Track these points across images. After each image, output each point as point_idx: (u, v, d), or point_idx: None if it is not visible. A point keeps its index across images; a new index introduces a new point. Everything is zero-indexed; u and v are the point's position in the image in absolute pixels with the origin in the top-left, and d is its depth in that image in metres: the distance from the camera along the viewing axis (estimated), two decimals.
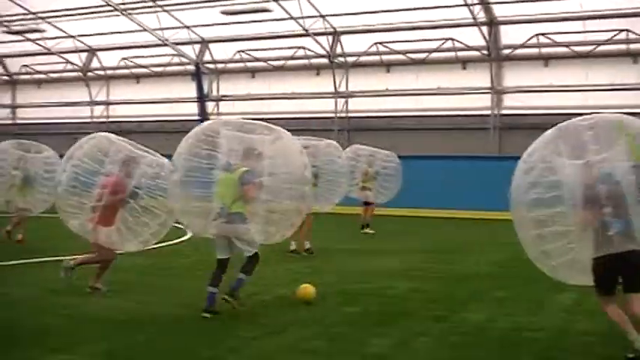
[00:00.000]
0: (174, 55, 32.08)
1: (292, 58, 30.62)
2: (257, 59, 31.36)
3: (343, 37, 29.45)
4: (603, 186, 6.52)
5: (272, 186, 8.69)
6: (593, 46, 26.23)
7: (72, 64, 34.59)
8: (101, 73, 34.88)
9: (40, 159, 15.90)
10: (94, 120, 35.19)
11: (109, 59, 34.15)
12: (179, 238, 16.75)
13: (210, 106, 32.45)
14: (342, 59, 29.95)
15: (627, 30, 25.18)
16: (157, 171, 9.82)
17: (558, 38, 26.40)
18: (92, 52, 34.19)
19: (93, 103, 35.37)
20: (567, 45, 26.56)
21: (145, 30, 29.34)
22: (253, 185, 8.44)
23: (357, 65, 30.03)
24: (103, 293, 9.51)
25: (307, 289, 9.25)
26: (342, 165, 15.98)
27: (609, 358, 6.65)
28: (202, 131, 8.97)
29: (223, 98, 32.79)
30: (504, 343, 7.12)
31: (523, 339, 7.34)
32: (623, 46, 26.07)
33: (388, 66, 29.87)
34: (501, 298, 9.56)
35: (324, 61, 30.04)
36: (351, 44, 29.47)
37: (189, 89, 32.23)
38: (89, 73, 35.01)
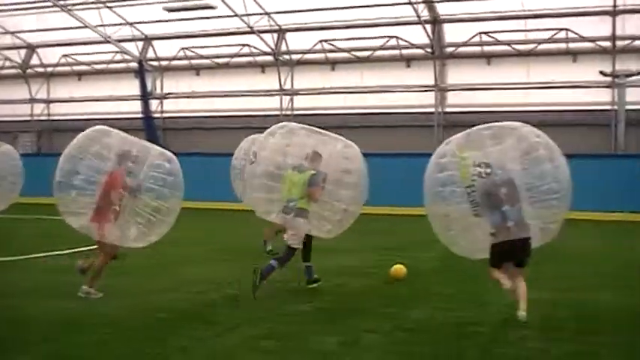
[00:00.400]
0: (116, 52, 31.67)
1: (237, 55, 30.50)
2: (201, 57, 31.16)
3: (288, 35, 29.45)
4: (504, 188, 8.06)
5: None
6: (534, 45, 26.72)
7: (11, 60, 33.86)
8: (41, 70, 34.21)
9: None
10: (35, 118, 34.53)
11: (50, 56, 33.52)
12: None
13: (154, 103, 32.10)
14: (287, 57, 29.96)
15: (567, 29, 25.71)
16: (160, 163, 9.50)
17: (500, 37, 26.82)
18: (32, 48, 33.52)
19: (33, 100, 34.66)
20: (509, 43, 27.00)
21: (86, 27, 28.88)
22: (318, 187, 9.73)
23: (302, 63, 30.06)
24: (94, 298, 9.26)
25: (401, 270, 10.78)
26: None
27: (545, 351, 6.78)
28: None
29: (167, 96, 32.50)
30: (449, 338, 7.22)
31: (467, 333, 7.45)
32: (562, 45, 26.61)
33: (333, 64, 29.98)
34: (447, 294, 9.69)
35: (269, 58, 30.01)
36: (296, 42, 29.49)
37: (133, 87, 31.86)
38: (29, 70, 34.30)
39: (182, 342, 6.99)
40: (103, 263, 9.41)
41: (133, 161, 9.32)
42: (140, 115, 31.45)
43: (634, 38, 25.70)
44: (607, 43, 25.92)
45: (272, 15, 28.07)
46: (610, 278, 11.10)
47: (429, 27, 27.07)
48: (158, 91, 32.52)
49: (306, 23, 28.42)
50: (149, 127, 31.14)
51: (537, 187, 8.30)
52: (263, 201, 10.19)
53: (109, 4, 28.18)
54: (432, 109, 28.16)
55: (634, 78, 25.51)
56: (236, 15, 27.30)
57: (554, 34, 26.08)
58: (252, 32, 28.57)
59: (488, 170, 8.21)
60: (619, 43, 25.81)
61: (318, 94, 29.92)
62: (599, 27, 25.76)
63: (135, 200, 9.28)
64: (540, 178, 8.36)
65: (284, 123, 10.87)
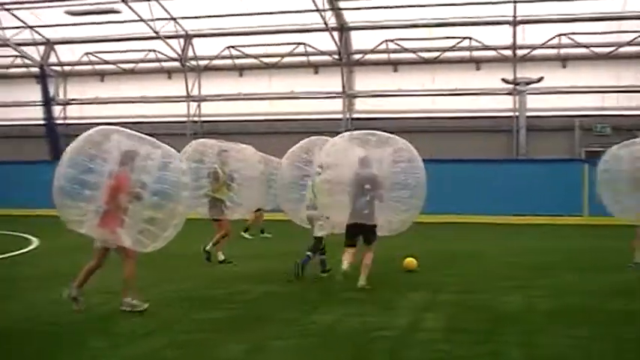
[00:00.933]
0: (16, 56, 30.66)
1: (143, 61, 29.99)
2: (106, 62, 30.51)
3: (195, 41, 29.17)
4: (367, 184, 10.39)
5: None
6: (439, 53, 27.26)
7: None
8: None
9: None
10: None
11: None
12: (22, 248, 16.06)
13: (57, 110, 31.22)
14: (194, 63, 29.64)
15: (470, 38, 26.32)
16: (167, 162, 8.99)
17: (406, 44, 27.24)
18: None
19: None
20: (415, 51, 27.45)
21: None
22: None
23: (209, 69, 29.82)
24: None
25: (412, 262, 12.22)
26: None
27: (450, 353, 6.85)
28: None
29: (71, 102, 31.67)
30: (356, 343, 7.20)
31: (373, 338, 7.44)
32: (466, 53, 27.24)
33: (241, 70, 29.86)
34: (352, 298, 9.67)
35: (176, 64, 29.64)
36: (203, 48, 29.24)
37: (34, 92, 30.90)
38: None
39: (81, 355, 6.74)
40: (131, 270, 8.97)
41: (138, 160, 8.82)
42: (42, 122, 30.54)
43: (533, 47, 26.53)
44: (508, 52, 26.68)
45: (179, 20, 27.76)
46: (512, 280, 11.34)
47: (336, 34, 27.27)
48: (61, 97, 31.67)
49: (213, 29, 28.23)
50: (51, 134, 30.30)
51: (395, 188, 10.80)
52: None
53: (7, 7, 27.25)
54: (340, 115, 28.35)
55: (534, 85, 26.35)
56: (142, 20, 26.84)
57: (458, 43, 26.70)
58: (158, 37, 28.15)
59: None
60: (519, 52, 26.61)
61: (226, 100, 29.72)
62: (501, 36, 26.52)
63: (138, 203, 8.73)
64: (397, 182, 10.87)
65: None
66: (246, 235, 18.54)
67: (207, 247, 13.41)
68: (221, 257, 13.40)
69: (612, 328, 7.89)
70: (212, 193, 13.25)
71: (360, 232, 10.62)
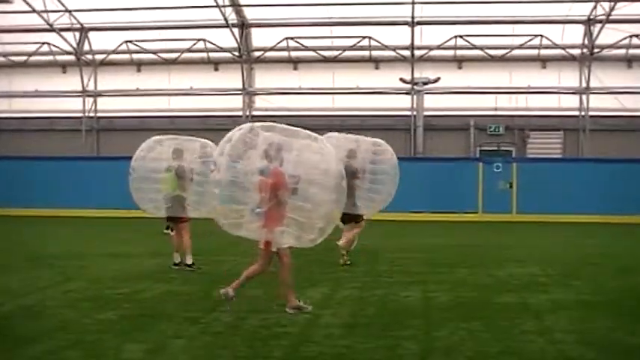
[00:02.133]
0: None
1: (36, 53, 29.02)
2: None
3: (91, 34, 28.48)
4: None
5: None
6: (339, 52, 27.51)
7: None
8: None
9: None
10: None
11: None
12: None
13: None
14: (90, 57, 28.92)
15: (369, 37, 26.69)
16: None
17: (307, 43, 27.37)
18: None
19: None
20: (315, 49, 27.62)
21: None
22: None
23: (106, 64, 29.16)
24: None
25: None
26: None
27: (348, 347, 6.97)
28: None
29: None
30: (257, 340, 7.22)
31: (273, 334, 7.48)
32: (366, 53, 27.62)
33: (139, 65, 29.36)
34: (254, 296, 9.66)
35: (71, 58, 28.83)
36: (99, 41, 28.59)
37: None
38: None
39: None
40: (286, 272, 8.70)
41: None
42: None
43: (430, 48, 27.13)
44: (406, 52, 27.19)
45: (74, 13, 27.03)
46: (410, 275, 11.60)
47: (236, 31, 27.15)
48: None
49: (110, 22, 27.61)
50: None
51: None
52: None
53: None
54: (240, 113, 28.26)
55: (431, 85, 26.95)
56: (34, 11, 25.96)
57: (358, 42, 27.02)
58: (52, 30, 27.31)
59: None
60: (417, 52, 27.16)
61: (123, 96, 29.15)
62: (399, 36, 27.01)
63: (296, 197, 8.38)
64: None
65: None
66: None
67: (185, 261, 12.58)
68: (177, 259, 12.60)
69: (505, 320, 8.18)
70: (179, 191, 12.43)
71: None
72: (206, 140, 13.03)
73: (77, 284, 10.69)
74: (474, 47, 27.11)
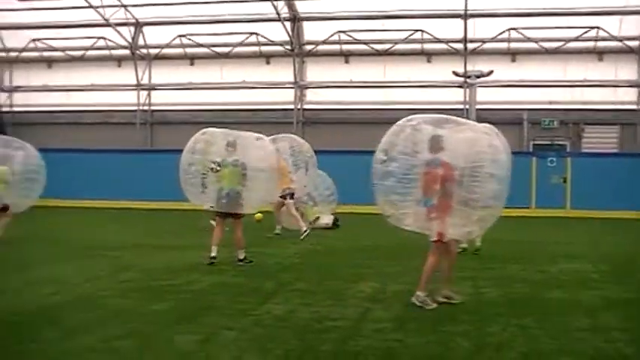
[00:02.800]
0: None
1: (92, 48, 29.53)
2: (54, 48, 29.97)
3: (146, 29, 28.82)
4: None
5: None
6: (391, 45, 27.39)
7: None
8: None
9: None
10: None
11: None
12: None
13: (2, 97, 30.60)
14: (144, 51, 29.30)
15: (422, 30, 26.52)
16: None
17: (358, 36, 27.32)
18: None
19: None
20: (367, 43, 27.54)
21: None
22: None
23: (160, 57, 29.51)
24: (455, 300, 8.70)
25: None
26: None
27: (399, 341, 6.94)
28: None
29: (17, 89, 31.04)
30: (307, 333, 7.23)
31: (324, 327, 7.49)
32: (418, 46, 27.44)
33: (192, 59, 29.63)
34: (304, 289, 9.70)
35: (126, 52, 29.25)
36: (154, 36, 28.93)
37: None
38: None
39: (28, 345, 6.65)
40: (433, 263, 8.73)
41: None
42: None
43: (484, 41, 26.84)
44: (459, 45, 26.94)
45: (129, 8, 27.40)
46: (461, 270, 11.50)
47: (288, 24, 27.21)
48: (7, 84, 31.04)
49: (164, 17, 27.93)
50: None
51: None
52: None
53: None
54: (292, 106, 28.34)
55: (484, 79, 26.65)
56: (91, 6, 26.42)
57: (410, 35, 26.86)
58: (108, 25, 27.74)
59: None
60: (470, 45, 26.89)
61: (177, 89, 29.48)
62: (452, 29, 26.77)
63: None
64: None
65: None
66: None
67: None
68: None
69: (557, 317, 8.06)
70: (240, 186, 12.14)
71: None
72: (258, 134, 13.07)
73: (130, 275, 10.86)
74: (528, 40, 26.74)
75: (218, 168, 12.08)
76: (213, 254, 12.00)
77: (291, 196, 17.12)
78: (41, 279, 10.39)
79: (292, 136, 18.91)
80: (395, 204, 8.64)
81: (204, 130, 13.02)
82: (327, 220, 18.79)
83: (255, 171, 12.19)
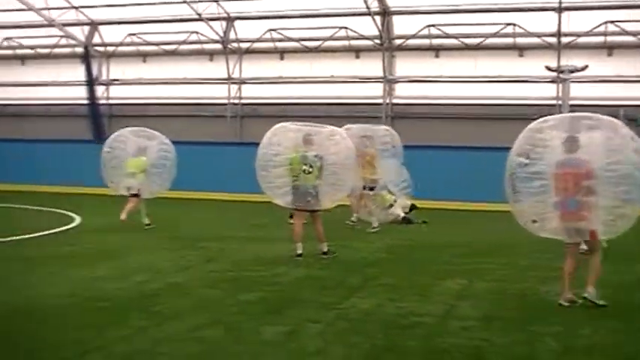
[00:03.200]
0: (61, 36, 31.03)
1: (185, 42, 30.13)
2: (148, 43, 30.71)
3: (237, 23, 29.19)
4: None
5: None
6: (482, 39, 26.97)
7: None
8: None
9: None
10: None
11: None
12: (65, 225, 16.36)
13: (99, 90, 31.56)
14: (235, 45, 29.71)
15: (514, 24, 26.02)
16: None
17: (449, 30, 27.00)
18: None
19: None
20: (457, 37, 27.20)
21: (30, 9, 28.24)
22: None
23: (250, 52, 29.85)
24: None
25: None
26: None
27: (485, 340, 6.85)
28: None
29: (113, 82, 31.97)
30: (392, 328, 7.23)
31: (410, 323, 7.47)
32: (509, 40, 26.92)
33: (282, 53, 29.83)
34: (390, 284, 9.70)
35: (218, 46, 29.72)
36: (245, 30, 29.25)
37: (78, 72, 31.27)
38: None
39: (123, 331, 6.87)
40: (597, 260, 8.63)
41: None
42: (85, 102, 30.91)
43: (578, 35, 26.13)
44: (553, 39, 26.31)
45: (221, 2, 27.80)
46: (550, 270, 11.25)
47: (378, 18, 27.11)
48: (104, 77, 31.99)
49: (255, 12, 28.24)
50: (95, 114, 30.68)
51: None
52: None
53: None
54: (380, 101, 28.26)
55: (578, 74, 25.95)
56: (184, 1, 26.96)
57: (502, 29, 26.37)
58: (200, 19, 28.25)
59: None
60: (564, 39, 26.22)
61: (267, 83, 29.79)
62: (545, 23, 26.14)
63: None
64: None
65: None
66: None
67: None
68: None
69: None
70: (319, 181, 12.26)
71: None
72: (332, 128, 13.10)
73: (219, 265, 11.08)
74: (626, 33, 25.87)
75: (311, 166, 12.07)
76: (299, 251, 12.04)
77: (372, 188, 17.16)
78: (133, 267, 10.71)
79: (383, 127, 19.09)
80: (536, 207, 8.65)
81: (280, 124, 13.05)
82: (399, 211, 18.54)
83: (331, 165, 12.29)
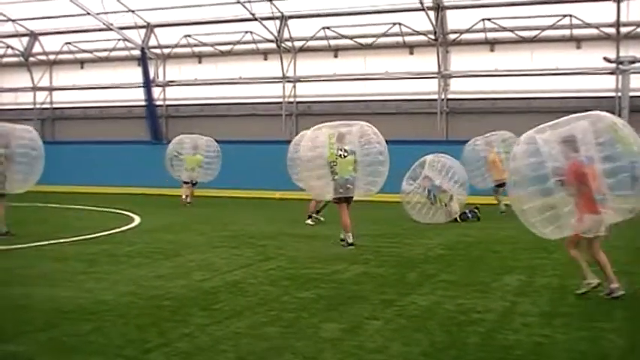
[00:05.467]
0: (119, 39, 31.57)
1: (239, 42, 30.39)
2: (204, 44, 31.08)
3: (291, 22, 29.33)
4: None
5: None
6: (538, 31, 26.59)
7: (13, 48, 33.75)
8: (43, 58, 34.10)
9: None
10: (37, 107, 34.47)
11: (52, 44, 33.37)
12: (125, 225, 16.64)
13: (156, 91, 32.02)
14: (289, 44, 29.84)
15: (571, 15, 25.57)
16: None
17: (504, 23, 26.68)
18: (34, 36, 33.40)
19: (35, 89, 34.60)
20: (512, 30, 26.85)
21: (88, 14, 28.79)
22: None
23: (304, 50, 29.96)
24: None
25: None
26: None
27: (547, 336, 6.75)
28: None
29: (170, 83, 32.41)
30: (452, 325, 7.18)
31: (470, 320, 7.40)
32: (566, 32, 26.47)
33: (336, 50, 29.87)
34: (449, 280, 9.64)
35: (272, 45, 29.89)
36: (298, 29, 29.38)
37: (135, 74, 31.80)
38: (31, 59, 34.20)
39: (184, 329, 6.96)
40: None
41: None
42: (142, 103, 31.41)
43: (638, 25, 25.56)
44: (611, 30, 25.80)
45: (274, 2, 27.95)
46: (613, 265, 11.04)
47: (432, 13, 26.92)
48: (160, 78, 32.44)
49: (308, 10, 28.33)
50: (152, 115, 31.16)
51: None
52: None
53: None
54: (435, 96, 28.07)
55: (638, 64, 25.38)
56: (238, 2, 27.19)
57: (558, 21, 25.95)
58: (254, 19, 28.45)
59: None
60: (623, 30, 25.69)
61: (321, 81, 29.84)
62: (603, 13, 25.63)
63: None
64: None
65: None
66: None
67: None
68: None
69: None
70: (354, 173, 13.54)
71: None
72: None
73: (276, 263, 11.15)
74: None
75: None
76: (350, 240, 12.99)
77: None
78: (192, 266, 10.85)
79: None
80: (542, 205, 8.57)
81: (318, 126, 14.17)
82: (456, 207, 18.28)
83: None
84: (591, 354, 6.29)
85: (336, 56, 30.00)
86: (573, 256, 8.84)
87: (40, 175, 15.08)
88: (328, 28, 28.69)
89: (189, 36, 30.86)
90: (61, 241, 13.60)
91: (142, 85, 31.41)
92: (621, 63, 25.54)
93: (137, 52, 31.68)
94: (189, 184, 24.05)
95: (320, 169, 13.28)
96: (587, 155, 8.34)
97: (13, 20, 31.41)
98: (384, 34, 28.27)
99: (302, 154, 14.03)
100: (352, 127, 13.84)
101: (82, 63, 34.08)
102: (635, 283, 9.55)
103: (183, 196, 23.50)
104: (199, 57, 32.13)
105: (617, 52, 25.64)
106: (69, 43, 32.79)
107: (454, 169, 18.36)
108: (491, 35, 27.55)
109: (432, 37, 27.48)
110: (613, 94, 26.02)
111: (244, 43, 30.43)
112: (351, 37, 28.89)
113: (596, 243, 8.63)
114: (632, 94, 25.57)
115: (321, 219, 17.76)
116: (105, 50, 32.79)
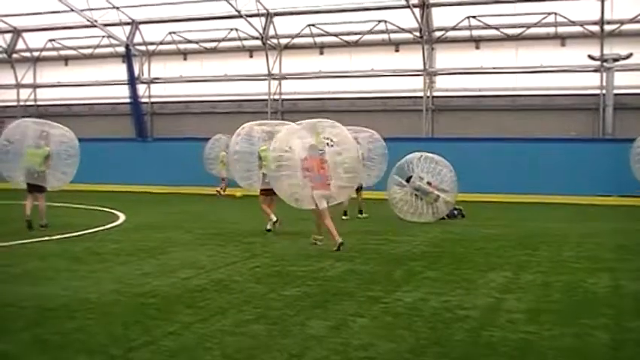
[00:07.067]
0: (103, 36, 31.42)
1: (225, 39, 30.33)
2: (189, 41, 31.00)
3: (276, 19, 29.31)
4: None
5: None
6: (523, 29, 26.69)
7: None
8: (27, 55, 33.90)
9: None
10: (21, 104, 34.26)
11: (36, 40, 33.21)
12: (110, 223, 16.56)
13: (141, 88, 31.90)
14: (275, 41, 29.80)
15: (555, 13, 25.67)
16: None
17: (489, 21, 26.76)
18: (17, 32, 33.21)
19: (19, 86, 34.38)
20: (498, 27, 26.94)
21: (72, 10, 28.63)
22: None
23: (290, 47, 29.94)
24: None
25: None
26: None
27: (533, 333, 6.75)
28: None
29: (155, 81, 32.30)
30: (438, 322, 7.17)
31: (455, 317, 7.40)
32: (551, 29, 26.59)
33: (321, 48, 29.89)
34: (435, 277, 9.64)
35: (257, 42, 29.86)
36: (284, 26, 29.37)
37: (120, 71, 31.68)
38: (14, 55, 33.98)
39: (169, 327, 6.91)
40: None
41: None
42: (127, 100, 31.28)
43: (622, 22, 25.69)
44: (595, 27, 25.94)
45: None
46: (598, 262, 11.11)
47: (417, 11, 26.97)
48: (145, 75, 32.32)
49: (294, 7, 28.33)
50: (136, 112, 31.03)
51: None
52: None
53: None
54: (421, 94, 28.12)
55: (622, 62, 25.52)
56: None
57: (543, 18, 26.07)
58: (240, 16, 28.39)
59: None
60: (607, 27, 25.83)
61: (307, 78, 29.83)
62: (588, 11, 25.77)
63: None
64: None
65: None
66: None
67: None
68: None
69: None
70: None
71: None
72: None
73: (262, 260, 11.12)
74: None
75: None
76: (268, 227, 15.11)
77: None
78: (177, 263, 10.80)
79: None
80: None
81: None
82: (443, 207, 18.05)
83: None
84: (577, 350, 6.30)
85: (321, 53, 30.01)
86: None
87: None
88: (314, 25, 28.68)
89: (174, 33, 30.77)
90: (46, 239, 13.52)
91: (126, 82, 31.28)
92: (605, 60, 25.69)
93: (122, 49, 31.56)
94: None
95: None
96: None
97: None
98: (370, 32, 28.29)
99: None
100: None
101: (66, 60, 33.91)
102: (619, 278, 9.60)
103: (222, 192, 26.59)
104: (184, 54, 32.04)
105: (602, 49, 25.80)
106: (53, 39, 32.62)
107: (442, 169, 18.34)
108: (476, 33, 27.64)
109: (418, 34, 27.53)
110: (597, 91, 26.19)
111: (230, 40, 30.38)
112: (337, 35, 28.89)
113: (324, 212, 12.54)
114: (616, 91, 25.75)
115: (363, 215, 18.69)
116: (89, 47, 32.64)
